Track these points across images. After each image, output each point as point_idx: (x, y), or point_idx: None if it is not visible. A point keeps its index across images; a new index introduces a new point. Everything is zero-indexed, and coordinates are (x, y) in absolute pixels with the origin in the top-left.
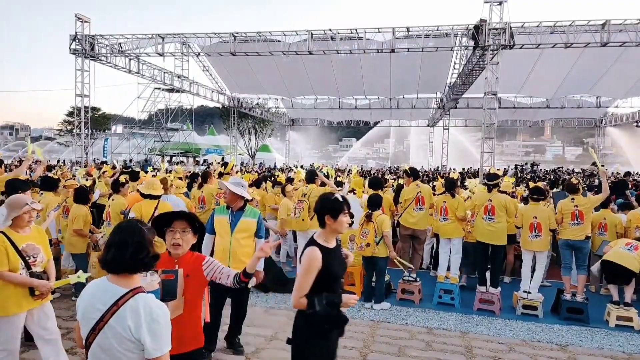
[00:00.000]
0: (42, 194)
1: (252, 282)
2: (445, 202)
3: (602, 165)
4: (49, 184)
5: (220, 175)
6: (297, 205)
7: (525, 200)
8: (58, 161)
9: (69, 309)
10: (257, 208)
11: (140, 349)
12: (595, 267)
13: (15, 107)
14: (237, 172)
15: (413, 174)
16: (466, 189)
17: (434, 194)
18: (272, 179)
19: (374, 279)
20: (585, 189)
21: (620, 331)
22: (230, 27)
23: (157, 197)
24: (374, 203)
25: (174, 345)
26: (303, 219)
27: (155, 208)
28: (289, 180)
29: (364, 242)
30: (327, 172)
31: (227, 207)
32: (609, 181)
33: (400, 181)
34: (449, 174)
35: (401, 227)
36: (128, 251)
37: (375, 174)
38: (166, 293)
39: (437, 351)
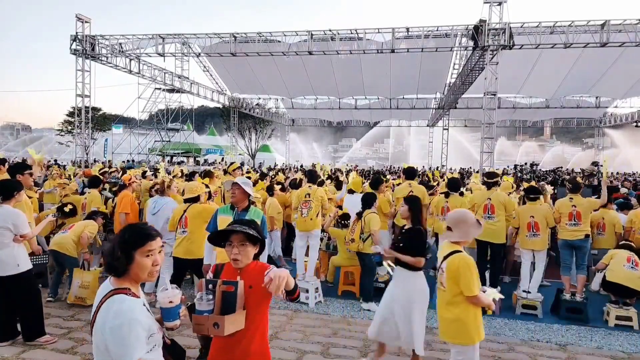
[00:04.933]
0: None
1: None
2: (446, 202)
3: (607, 177)
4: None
5: (225, 174)
6: (303, 205)
7: (522, 201)
8: (58, 163)
9: (69, 309)
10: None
11: None
12: (596, 284)
13: (15, 107)
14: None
15: (406, 173)
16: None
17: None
18: (273, 179)
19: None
20: (585, 188)
21: (619, 331)
22: (230, 28)
23: (193, 200)
24: (366, 202)
25: None
26: (311, 219)
27: (185, 211)
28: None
29: (349, 237)
30: (324, 171)
31: (230, 207)
32: (609, 181)
33: (399, 180)
34: (441, 173)
35: (395, 227)
36: (108, 253)
37: (376, 174)
38: (225, 305)
39: (436, 351)
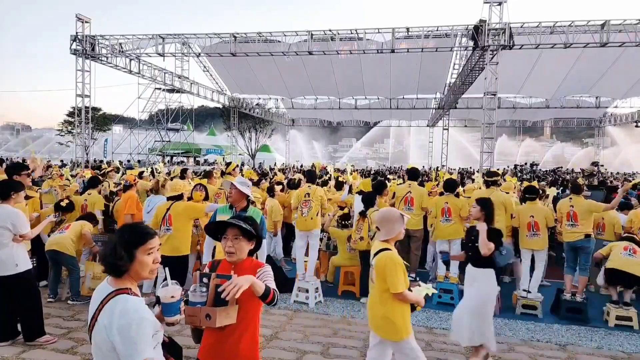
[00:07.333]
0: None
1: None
2: (447, 202)
3: (629, 180)
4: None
5: (222, 175)
6: (303, 204)
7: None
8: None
9: (69, 309)
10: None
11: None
12: (601, 279)
13: (15, 107)
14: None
15: (409, 173)
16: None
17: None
18: (272, 179)
19: None
20: (585, 189)
21: (619, 331)
22: (230, 28)
23: (176, 198)
24: (369, 201)
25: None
26: (312, 218)
27: (168, 209)
28: (290, 181)
29: (358, 236)
30: (330, 173)
31: (229, 207)
32: (609, 181)
33: (399, 181)
34: (433, 172)
35: None
36: (106, 253)
37: (376, 174)
38: (217, 298)
39: (436, 351)
